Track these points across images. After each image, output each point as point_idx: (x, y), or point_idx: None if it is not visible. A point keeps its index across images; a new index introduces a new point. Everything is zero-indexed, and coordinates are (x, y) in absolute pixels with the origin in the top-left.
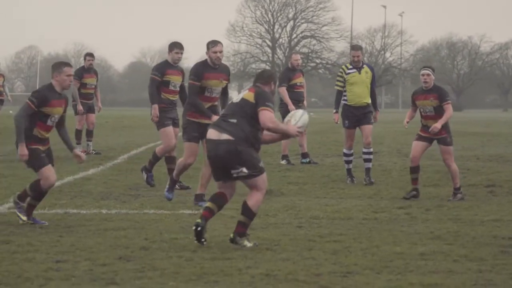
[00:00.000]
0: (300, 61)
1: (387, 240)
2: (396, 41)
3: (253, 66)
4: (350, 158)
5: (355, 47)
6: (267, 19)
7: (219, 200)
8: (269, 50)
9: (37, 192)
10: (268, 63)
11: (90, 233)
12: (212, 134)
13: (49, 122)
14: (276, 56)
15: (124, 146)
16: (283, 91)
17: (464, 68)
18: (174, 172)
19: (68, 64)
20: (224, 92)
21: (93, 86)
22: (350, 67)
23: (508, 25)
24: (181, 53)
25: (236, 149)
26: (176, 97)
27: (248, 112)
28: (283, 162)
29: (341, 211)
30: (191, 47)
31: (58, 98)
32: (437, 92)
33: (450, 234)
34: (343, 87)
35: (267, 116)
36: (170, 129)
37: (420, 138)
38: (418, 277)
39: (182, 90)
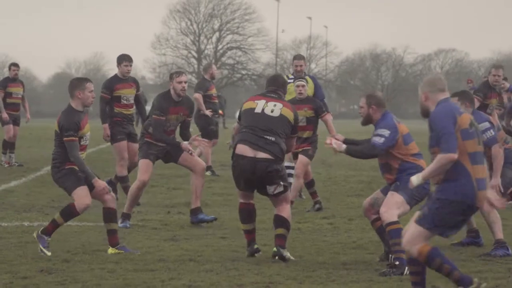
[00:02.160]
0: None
1: (310, 250)
2: (321, 52)
3: None
4: (292, 171)
5: (297, 57)
6: (193, 30)
7: (251, 216)
8: (195, 61)
9: (70, 217)
10: (194, 74)
11: (11, 245)
12: (246, 150)
13: (82, 142)
14: (201, 67)
15: (48, 158)
16: (200, 97)
17: (388, 79)
18: (126, 204)
19: (89, 80)
20: (185, 126)
21: (20, 96)
22: (291, 76)
23: (431, 36)
24: (130, 65)
25: (275, 168)
26: (131, 111)
27: (285, 131)
28: (208, 173)
29: (265, 221)
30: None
31: (83, 118)
32: (311, 103)
33: (372, 244)
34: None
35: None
36: (123, 143)
37: (295, 155)
38: (340, 287)
39: (138, 101)
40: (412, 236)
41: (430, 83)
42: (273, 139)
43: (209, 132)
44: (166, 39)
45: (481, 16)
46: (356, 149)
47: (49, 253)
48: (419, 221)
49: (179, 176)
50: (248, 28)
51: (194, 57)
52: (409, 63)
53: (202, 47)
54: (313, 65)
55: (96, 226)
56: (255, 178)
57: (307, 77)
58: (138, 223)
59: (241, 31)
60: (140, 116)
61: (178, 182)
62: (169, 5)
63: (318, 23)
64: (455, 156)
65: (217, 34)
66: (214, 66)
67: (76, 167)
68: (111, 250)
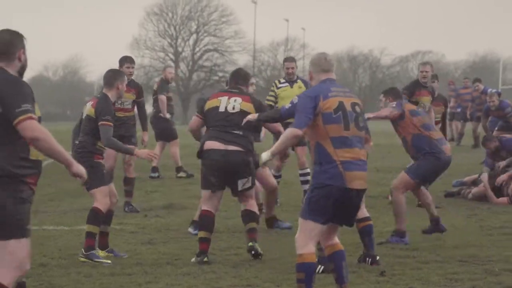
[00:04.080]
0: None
1: (288, 252)
2: (298, 54)
3: (157, 79)
4: (279, 179)
5: (288, 59)
6: (170, 33)
7: (211, 225)
8: (172, 64)
9: (101, 219)
10: None
11: None
12: (216, 145)
13: None
14: (180, 69)
15: None
16: (165, 99)
17: (365, 81)
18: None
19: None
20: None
21: None
22: (283, 81)
23: (408, 38)
24: (132, 67)
25: (247, 160)
26: (128, 114)
27: (251, 124)
28: (182, 174)
29: (241, 224)
30: (95, 60)
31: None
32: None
33: (351, 246)
34: (275, 102)
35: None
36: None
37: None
38: None
39: (139, 107)
40: (299, 228)
41: (315, 63)
42: (240, 133)
43: (169, 133)
44: (144, 41)
45: (458, 18)
46: (265, 114)
47: (109, 261)
48: (300, 212)
49: (156, 179)
50: (225, 30)
51: (171, 59)
52: (386, 64)
53: (180, 49)
54: None
55: (72, 230)
56: (228, 171)
57: (299, 81)
58: (115, 227)
59: (218, 33)
60: (141, 123)
61: (155, 185)
62: (146, 7)
63: (295, 25)
64: (299, 132)
65: (194, 36)
66: (168, 69)
67: (102, 162)
68: (101, 253)
